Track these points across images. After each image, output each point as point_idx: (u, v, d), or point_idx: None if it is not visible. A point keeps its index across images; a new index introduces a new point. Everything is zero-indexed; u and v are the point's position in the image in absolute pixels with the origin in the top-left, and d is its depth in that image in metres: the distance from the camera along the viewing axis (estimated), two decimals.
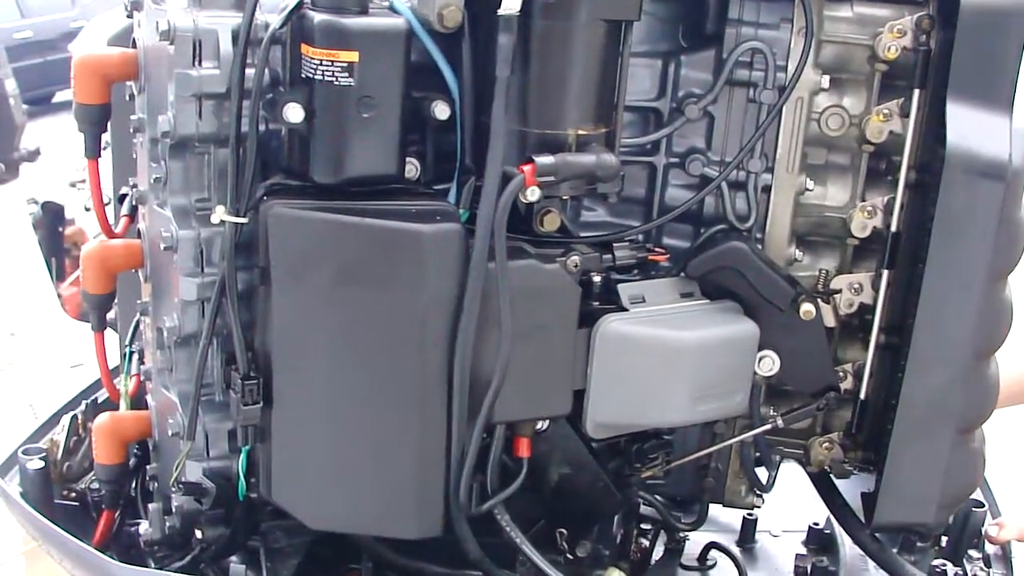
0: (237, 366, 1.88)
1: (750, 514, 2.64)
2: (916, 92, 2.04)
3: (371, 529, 2.03)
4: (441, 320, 1.84)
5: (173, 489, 2.02)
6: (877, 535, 2.30)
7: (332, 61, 1.76)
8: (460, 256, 1.82)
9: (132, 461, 2.36)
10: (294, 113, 1.78)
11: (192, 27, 1.81)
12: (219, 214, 1.83)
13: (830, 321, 2.16)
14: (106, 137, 2.18)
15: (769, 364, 2.09)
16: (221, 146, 1.88)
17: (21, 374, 6.06)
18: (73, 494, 2.46)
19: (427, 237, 1.80)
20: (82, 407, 2.52)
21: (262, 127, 1.86)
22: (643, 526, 2.46)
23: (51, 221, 5.41)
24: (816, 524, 2.65)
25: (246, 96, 1.80)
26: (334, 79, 1.77)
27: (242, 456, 1.98)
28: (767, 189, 2.12)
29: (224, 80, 1.82)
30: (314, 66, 1.77)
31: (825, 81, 2.07)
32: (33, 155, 7.73)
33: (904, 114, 2.06)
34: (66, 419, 2.47)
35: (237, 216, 1.82)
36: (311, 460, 1.93)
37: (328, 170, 1.83)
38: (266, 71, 1.82)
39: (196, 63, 1.82)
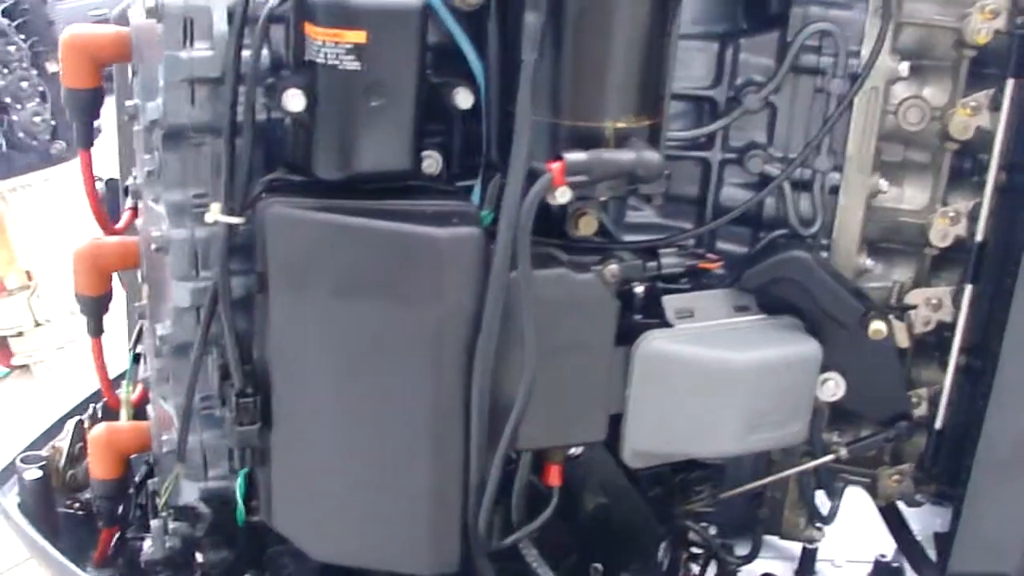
0: (233, 381, 1.73)
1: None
2: (1009, 82, 1.91)
3: (381, 564, 1.91)
4: (459, 335, 1.70)
5: (163, 513, 1.88)
6: None
7: (336, 42, 1.62)
8: (479, 264, 1.68)
9: (143, 469, 2.24)
10: (295, 101, 1.64)
11: (182, 4, 1.69)
12: (213, 212, 1.70)
13: (904, 341, 2.01)
14: None
15: (833, 388, 1.96)
16: (219, 136, 1.74)
17: (82, 352, 6.07)
18: (78, 503, 2.35)
19: (442, 242, 1.67)
20: (89, 411, 2.38)
21: (264, 116, 1.74)
22: (693, 550, 2.30)
23: (113, 198, 5.40)
24: (883, 556, 2.53)
25: (242, 81, 1.67)
26: (339, 62, 1.63)
27: (240, 479, 1.84)
28: (835, 190, 2.00)
29: (218, 63, 1.69)
30: (317, 48, 1.63)
31: (904, 68, 1.93)
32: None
33: (994, 107, 1.93)
34: (71, 424, 2.34)
35: (232, 215, 1.68)
36: (315, 486, 1.82)
37: (333, 165, 1.70)
38: (265, 53, 1.70)
39: (187, 44, 1.70)
